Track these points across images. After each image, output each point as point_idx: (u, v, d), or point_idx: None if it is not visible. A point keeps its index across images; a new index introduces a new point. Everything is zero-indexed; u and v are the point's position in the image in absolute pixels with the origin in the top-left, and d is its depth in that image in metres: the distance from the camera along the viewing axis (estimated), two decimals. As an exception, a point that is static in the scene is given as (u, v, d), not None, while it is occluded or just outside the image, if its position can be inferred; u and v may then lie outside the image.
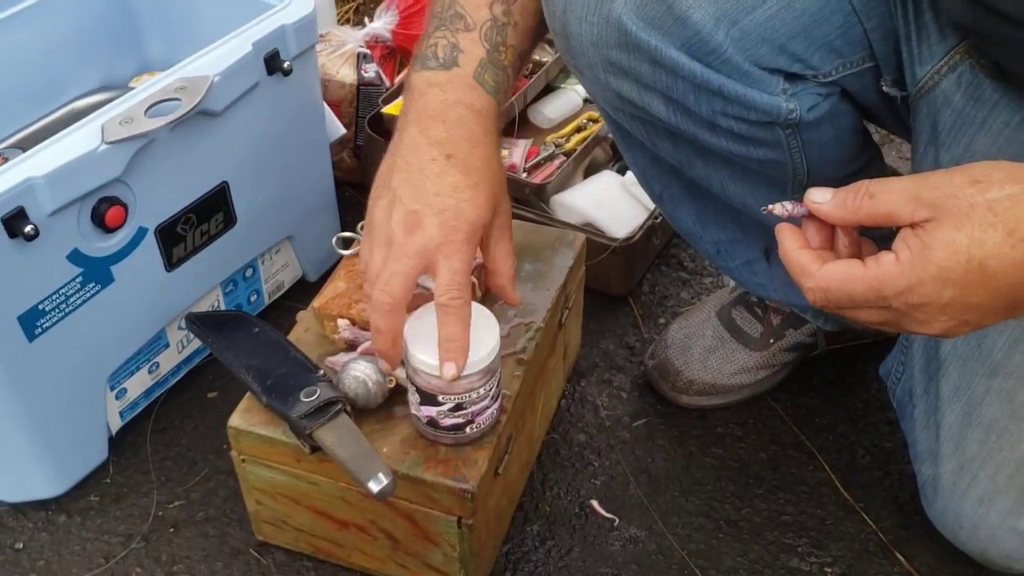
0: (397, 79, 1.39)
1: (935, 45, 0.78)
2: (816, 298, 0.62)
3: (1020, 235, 0.55)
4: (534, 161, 1.30)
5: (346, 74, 1.32)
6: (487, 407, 0.81)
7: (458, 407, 0.79)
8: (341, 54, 1.33)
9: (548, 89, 1.40)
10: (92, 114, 0.90)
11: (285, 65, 1.02)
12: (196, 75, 0.94)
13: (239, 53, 0.97)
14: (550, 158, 1.30)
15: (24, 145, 1.09)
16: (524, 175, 1.28)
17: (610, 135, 1.16)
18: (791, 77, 0.79)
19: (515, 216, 1.02)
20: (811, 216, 0.63)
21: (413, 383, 0.80)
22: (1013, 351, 0.82)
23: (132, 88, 1.18)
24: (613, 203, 1.23)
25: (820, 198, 0.62)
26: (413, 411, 0.83)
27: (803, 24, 0.77)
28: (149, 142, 0.91)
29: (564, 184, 1.27)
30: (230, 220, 1.05)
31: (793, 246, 0.63)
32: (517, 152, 1.30)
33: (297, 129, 1.10)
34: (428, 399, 0.80)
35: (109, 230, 0.92)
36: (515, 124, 1.33)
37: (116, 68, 1.22)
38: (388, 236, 0.75)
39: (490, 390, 0.80)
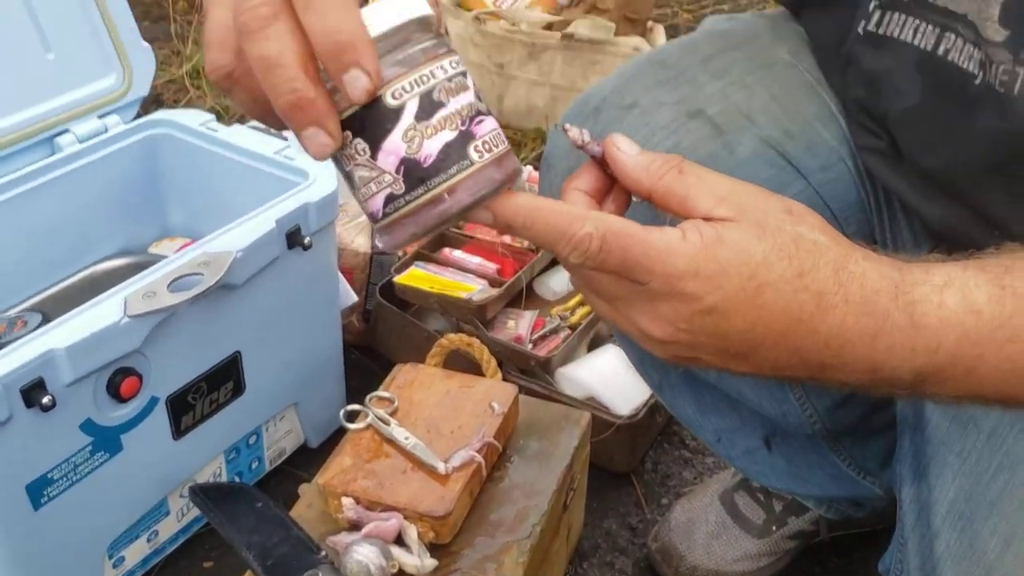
0: (411, 248, 1.43)
1: (910, 251, 0.82)
2: (589, 246, 0.50)
3: (808, 282, 0.51)
4: (540, 333, 1.32)
5: (361, 243, 1.36)
6: (480, 112, 0.49)
7: (430, 103, 0.47)
8: (357, 224, 1.37)
9: (553, 263, 1.44)
10: (109, 283, 0.93)
11: (305, 240, 1.05)
12: (219, 250, 0.97)
13: (262, 230, 1.01)
14: (555, 331, 1.33)
15: (43, 308, 1.12)
16: (530, 346, 1.30)
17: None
18: None
19: (521, 389, 1.04)
20: (598, 161, 0.55)
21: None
22: (1005, 553, 0.82)
23: (152, 253, 1.23)
24: (617, 379, 1.24)
25: (626, 148, 0.54)
26: (370, 186, 0.49)
27: None
28: (169, 314, 0.94)
29: (569, 357, 1.29)
30: (239, 389, 1.07)
31: (559, 205, 0.51)
32: (523, 323, 1.33)
33: (311, 299, 1.13)
34: (378, 119, 0.47)
35: (123, 400, 0.93)
36: (522, 296, 1.36)
37: (138, 233, 1.26)
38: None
39: (463, 71, 0.49)
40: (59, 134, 1.15)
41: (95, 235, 1.21)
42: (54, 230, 1.16)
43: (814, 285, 0.50)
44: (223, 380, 1.04)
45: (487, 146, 0.49)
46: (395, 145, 0.47)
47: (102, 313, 0.89)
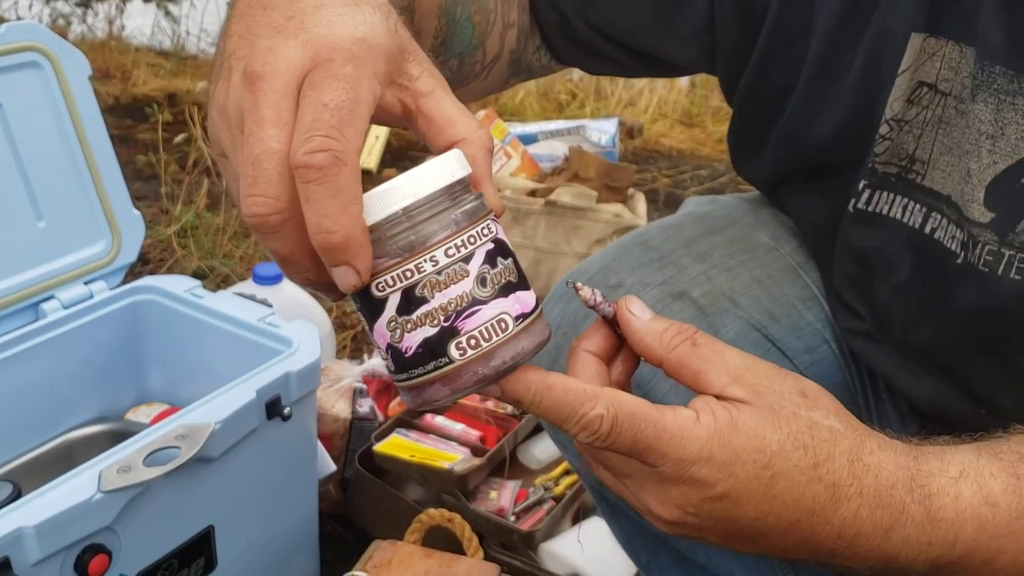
0: (391, 411, 1.42)
1: (897, 432, 0.82)
2: (602, 429, 0.49)
3: (822, 473, 0.50)
4: (523, 505, 1.29)
5: (341, 408, 1.34)
6: (473, 304, 0.47)
7: (411, 300, 0.46)
8: (337, 389, 1.36)
9: (537, 429, 1.43)
10: (84, 452, 0.91)
11: (285, 411, 1.04)
12: (197, 423, 0.95)
13: (242, 400, 0.99)
14: (539, 503, 1.30)
15: (14, 477, 1.09)
16: (513, 519, 1.27)
17: (600, 486, 1.17)
18: None
19: (503, 566, 1.01)
20: (608, 321, 0.54)
21: None
22: None
23: (130, 421, 1.21)
24: (603, 554, 1.21)
25: (639, 312, 0.53)
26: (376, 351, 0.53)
27: None
28: (143, 489, 0.91)
29: (553, 530, 1.26)
30: (211, 565, 1.03)
31: (571, 382, 0.51)
32: (506, 495, 1.30)
33: (289, 470, 1.11)
34: (369, 304, 0.48)
35: (89, 580, 0.89)
36: (505, 465, 1.34)
37: (115, 399, 1.24)
38: (238, 111, 0.46)
39: (467, 258, 0.46)
40: (44, 300, 1.15)
41: (72, 401, 1.19)
42: (32, 396, 1.14)
43: (828, 476, 0.50)
44: (195, 556, 1.01)
45: (474, 341, 0.47)
46: (382, 331, 0.48)
47: (75, 488, 0.87)
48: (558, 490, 1.32)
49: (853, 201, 0.75)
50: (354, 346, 1.79)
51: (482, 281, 0.47)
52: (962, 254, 0.68)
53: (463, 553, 1.12)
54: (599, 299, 0.53)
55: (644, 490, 0.52)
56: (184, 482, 0.96)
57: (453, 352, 0.47)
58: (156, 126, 2.43)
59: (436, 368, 0.47)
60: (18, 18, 3.62)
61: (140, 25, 4.12)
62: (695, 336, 0.53)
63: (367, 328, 0.49)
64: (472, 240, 0.47)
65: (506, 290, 0.48)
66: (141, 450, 0.92)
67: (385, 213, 0.46)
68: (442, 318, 0.47)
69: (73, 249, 1.18)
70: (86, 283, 1.19)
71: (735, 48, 0.76)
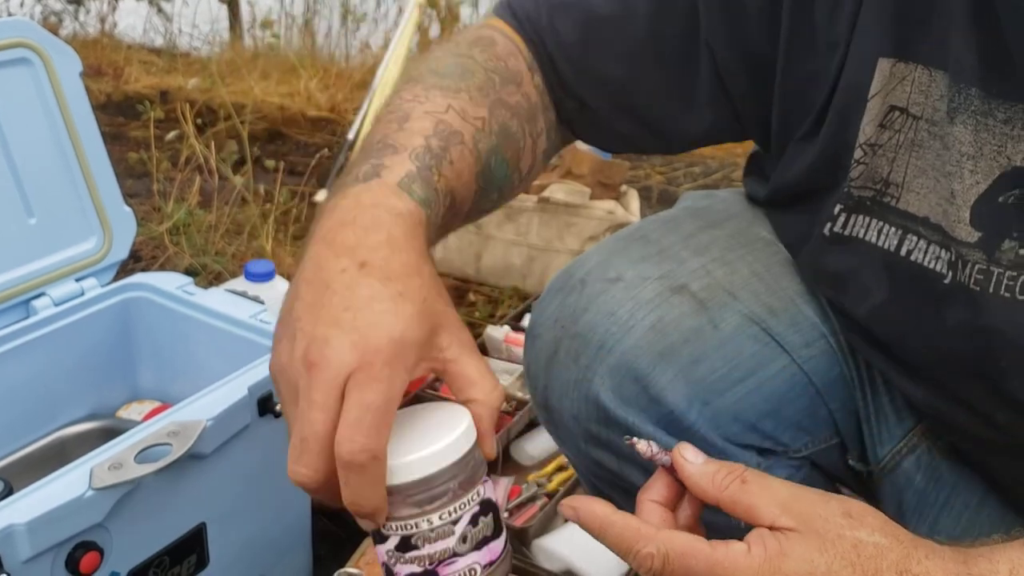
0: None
1: (893, 427, 0.82)
2: (652, 565, 0.56)
3: None
4: (516, 501, 1.30)
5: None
6: (457, 555, 0.58)
7: (406, 544, 0.58)
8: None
9: (531, 425, 1.43)
10: (76, 449, 0.91)
11: (277, 408, 1.04)
12: (189, 420, 0.95)
13: (234, 397, 0.99)
14: (532, 499, 1.30)
15: (6, 475, 1.08)
16: (506, 515, 1.27)
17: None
18: (764, 452, 0.82)
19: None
20: (667, 469, 0.60)
21: None
22: None
23: (121, 418, 1.21)
24: (595, 551, 1.19)
25: (692, 457, 0.59)
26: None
27: (771, 406, 0.81)
28: (134, 486, 0.91)
29: (546, 527, 1.26)
30: (203, 562, 1.03)
31: (622, 518, 0.57)
32: (499, 491, 1.30)
33: (280, 467, 1.09)
34: (376, 535, 0.60)
35: (81, 576, 0.89)
36: (499, 461, 1.34)
37: (107, 396, 1.24)
38: (295, 382, 0.57)
39: (455, 521, 0.58)
40: (35, 297, 1.15)
41: (64, 399, 1.19)
42: (23, 394, 1.14)
43: None
44: (186, 553, 1.00)
45: None
46: (381, 553, 0.60)
47: (66, 485, 0.87)
48: (551, 486, 1.32)
49: (829, 225, 0.75)
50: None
51: (463, 538, 0.59)
52: (950, 274, 0.68)
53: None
54: (655, 451, 0.60)
55: None
56: (175, 479, 0.96)
57: None
58: (148, 123, 2.43)
59: None
60: (9, 15, 3.61)
61: (132, 23, 4.11)
62: (744, 474, 0.58)
63: (374, 544, 0.61)
64: (463, 506, 0.58)
65: (480, 544, 0.59)
66: (132, 447, 0.92)
67: (401, 481, 0.57)
68: (427, 563, 0.59)
69: (64, 246, 1.18)
70: (77, 280, 1.19)
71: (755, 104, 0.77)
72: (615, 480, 0.85)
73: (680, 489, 0.60)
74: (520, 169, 0.80)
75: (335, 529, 1.35)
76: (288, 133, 2.81)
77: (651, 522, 0.58)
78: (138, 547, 0.95)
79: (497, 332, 1.61)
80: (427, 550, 0.58)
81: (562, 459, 1.37)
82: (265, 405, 1.04)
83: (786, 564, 0.54)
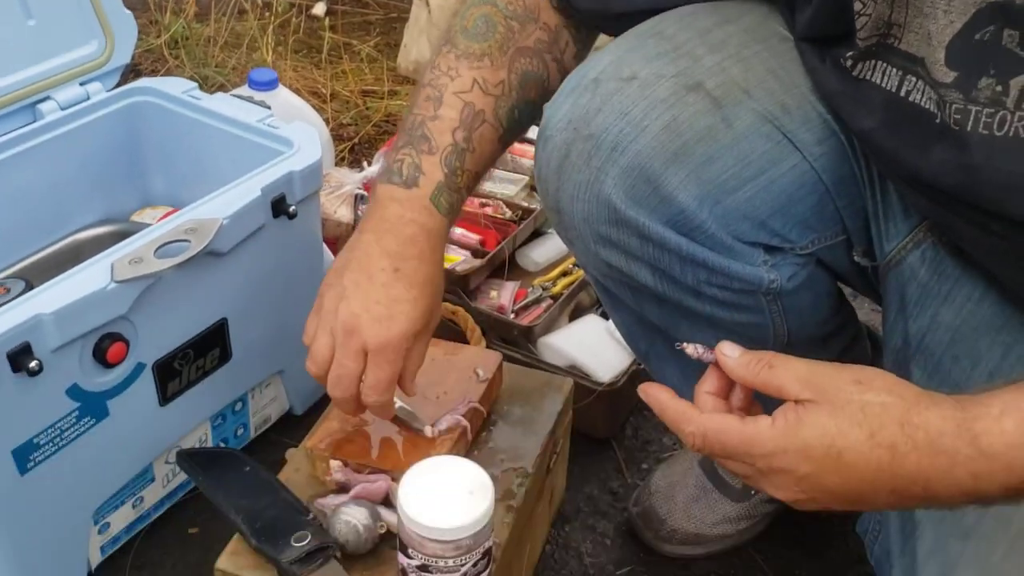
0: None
1: (900, 223, 0.84)
2: (694, 442, 0.66)
3: (879, 440, 0.61)
4: (522, 303, 1.33)
5: (344, 214, 1.36)
6: None
7: (424, 568, 0.79)
8: (339, 195, 1.37)
9: (536, 234, 1.45)
10: (92, 251, 0.93)
11: (291, 209, 1.05)
12: (206, 217, 0.97)
13: (248, 197, 1.01)
14: (537, 301, 1.34)
15: (26, 275, 1.12)
16: (512, 316, 1.31)
17: (598, 283, 1.21)
18: (771, 249, 0.84)
19: (505, 357, 1.05)
20: (716, 364, 0.69)
21: (399, 528, 0.81)
22: (984, 515, 0.84)
23: (135, 222, 1.23)
24: (598, 347, 1.26)
25: (730, 352, 0.68)
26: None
27: (781, 203, 0.82)
28: (155, 280, 0.94)
29: (550, 326, 1.30)
30: (226, 356, 1.07)
31: (669, 397, 0.69)
32: (506, 294, 1.34)
33: (296, 267, 1.14)
34: (403, 547, 0.80)
35: (109, 366, 0.93)
36: (505, 267, 1.37)
37: (119, 202, 1.25)
38: (332, 327, 0.84)
39: (462, 564, 0.79)
40: (41, 101, 1.14)
41: (77, 203, 1.20)
42: (36, 197, 1.15)
43: (885, 440, 0.61)
44: (210, 347, 1.05)
45: None
46: (403, 563, 0.81)
47: (89, 278, 0.90)
48: (556, 290, 1.35)
49: (840, 61, 0.76)
50: (352, 157, 1.79)
51: (464, 573, 0.79)
52: (939, 114, 0.69)
53: (467, 343, 1.16)
54: (702, 351, 0.70)
55: (760, 483, 0.66)
56: (195, 275, 0.99)
57: None
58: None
59: None
60: None
61: None
62: (771, 360, 0.65)
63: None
64: (471, 556, 0.79)
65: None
66: (151, 243, 0.94)
67: (437, 537, 0.77)
68: None
69: (66, 49, 1.17)
70: (82, 84, 1.18)
71: None
72: (624, 280, 0.88)
73: (729, 379, 0.68)
74: (549, 92, 0.88)
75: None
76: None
77: (703, 408, 0.68)
78: (163, 340, 0.99)
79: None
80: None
81: (567, 264, 1.40)
82: (279, 207, 1.05)
83: (803, 431, 0.62)
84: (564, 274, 1.39)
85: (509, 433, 1.00)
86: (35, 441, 0.90)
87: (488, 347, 1.19)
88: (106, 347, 0.92)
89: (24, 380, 0.86)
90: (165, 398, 1.01)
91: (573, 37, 0.93)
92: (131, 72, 1.86)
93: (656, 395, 0.69)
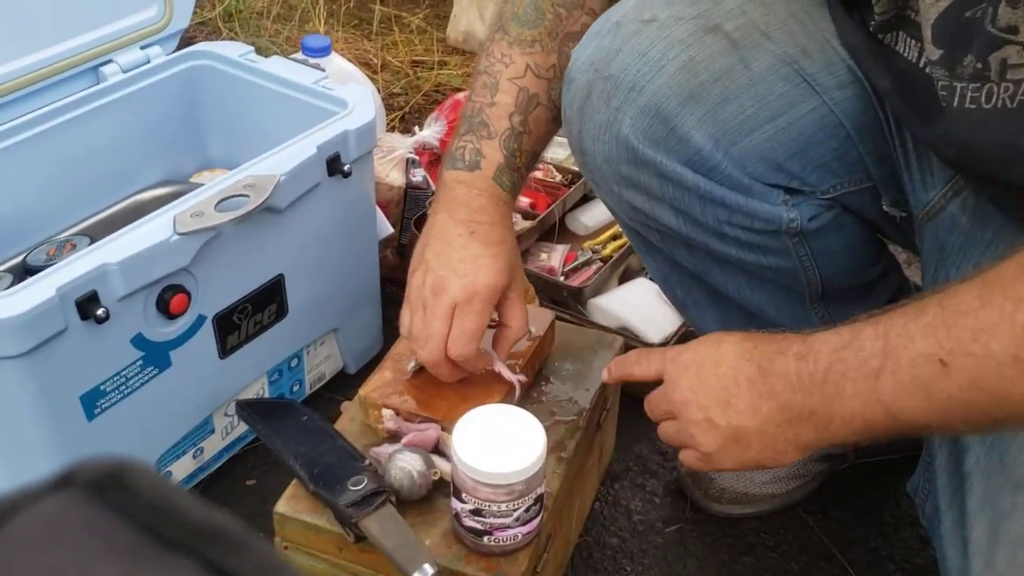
0: (442, 183, 1.45)
1: (937, 172, 0.83)
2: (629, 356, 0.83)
3: (754, 356, 0.71)
4: (572, 266, 1.34)
5: (395, 177, 1.38)
6: (508, 527, 0.82)
7: (477, 512, 0.81)
8: (391, 159, 1.39)
9: (585, 198, 1.45)
10: (164, 207, 0.96)
11: (345, 168, 1.07)
12: (264, 174, 0.99)
13: (304, 155, 1.03)
14: (587, 263, 1.35)
15: (90, 233, 1.15)
16: (562, 278, 1.32)
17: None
18: (791, 192, 0.84)
19: (556, 317, 1.06)
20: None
21: (452, 473, 0.83)
22: None
23: (194, 183, 1.25)
24: (648, 309, 1.26)
25: (604, 374, 0.89)
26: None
27: (799, 146, 0.82)
28: (215, 235, 0.96)
29: (600, 289, 1.31)
30: (282, 312, 1.10)
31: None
32: (556, 256, 1.35)
33: (351, 227, 1.16)
34: (457, 492, 0.82)
35: (172, 317, 0.96)
36: (555, 230, 1.38)
37: (179, 164, 1.28)
38: (423, 300, 0.87)
39: (515, 510, 0.81)
40: (103, 64, 1.18)
41: (138, 164, 1.23)
42: (99, 158, 1.18)
43: (747, 351, 0.71)
44: (267, 302, 1.07)
45: (496, 544, 0.83)
46: (457, 508, 0.83)
47: (152, 231, 0.92)
48: (606, 253, 1.36)
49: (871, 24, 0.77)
50: (403, 126, 1.80)
51: (517, 518, 0.81)
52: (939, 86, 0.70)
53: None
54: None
55: (685, 431, 0.75)
56: (253, 231, 1.01)
57: (486, 540, 0.83)
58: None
59: (475, 543, 0.84)
60: None
61: None
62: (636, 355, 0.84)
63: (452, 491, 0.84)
64: (523, 501, 0.80)
65: (527, 522, 0.82)
66: (212, 198, 0.96)
67: (489, 481, 0.79)
68: (488, 526, 0.82)
69: (126, 13, 1.20)
70: (142, 48, 1.21)
71: None
72: (648, 222, 0.89)
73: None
74: None
75: (401, 295, 1.41)
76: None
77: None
78: (222, 293, 1.01)
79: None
80: (490, 520, 0.81)
81: (615, 228, 1.40)
82: (334, 165, 1.07)
83: (684, 351, 0.76)
84: (614, 238, 1.40)
85: (560, 388, 1.01)
86: (102, 388, 0.93)
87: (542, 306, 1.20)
88: (169, 298, 0.95)
89: (92, 327, 0.89)
90: (225, 351, 1.04)
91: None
92: (186, 45, 1.89)
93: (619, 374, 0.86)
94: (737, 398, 0.70)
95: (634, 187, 0.84)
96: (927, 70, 0.72)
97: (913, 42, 0.74)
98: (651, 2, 0.83)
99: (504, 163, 0.90)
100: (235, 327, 1.04)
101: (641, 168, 0.82)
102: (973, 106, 0.67)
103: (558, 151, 1.52)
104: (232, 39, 1.97)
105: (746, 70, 0.80)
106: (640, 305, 1.26)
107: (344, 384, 1.23)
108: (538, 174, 1.46)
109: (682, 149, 0.80)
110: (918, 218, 0.85)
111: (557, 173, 1.48)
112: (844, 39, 0.82)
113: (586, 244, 1.39)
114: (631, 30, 0.81)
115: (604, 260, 1.35)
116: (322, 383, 1.23)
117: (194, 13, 1.88)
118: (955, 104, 0.68)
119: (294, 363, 1.16)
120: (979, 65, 0.65)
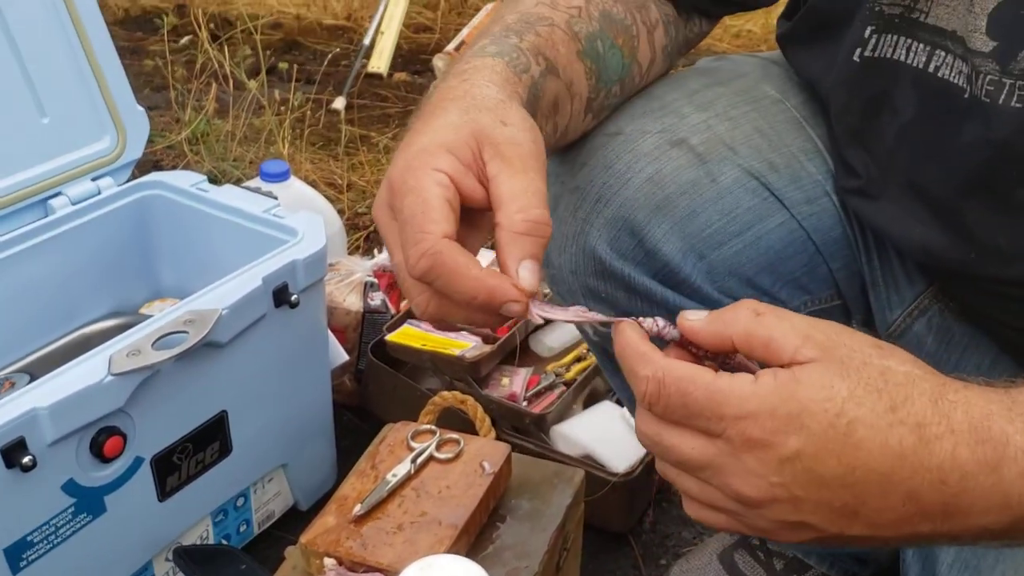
0: (403, 306, 1.43)
1: (904, 290, 0.81)
2: (648, 389, 0.50)
3: (902, 416, 0.47)
4: (535, 390, 1.31)
5: (352, 302, 1.35)
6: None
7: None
8: (349, 283, 1.37)
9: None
10: (100, 345, 0.92)
11: (293, 298, 1.05)
12: (205, 308, 0.97)
13: (249, 287, 1.00)
14: (550, 387, 1.31)
15: (32, 370, 1.11)
16: (525, 404, 1.28)
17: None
18: None
19: (514, 447, 1.02)
20: (679, 343, 0.55)
21: None
22: None
23: (143, 315, 1.23)
24: (613, 435, 1.22)
25: (693, 315, 0.53)
26: None
27: (768, 260, 0.81)
28: (153, 373, 0.93)
29: (564, 414, 1.27)
30: (226, 449, 1.05)
31: (636, 336, 0.53)
32: (518, 381, 1.32)
33: (300, 358, 1.12)
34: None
35: (106, 460, 0.91)
36: (516, 353, 1.35)
37: (129, 293, 1.25)
38: (389, 200, 0.58)
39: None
40: (52, 196, 1.16)
41: (86, 296, 1.21)
42: (45, 292, 1.15)
43: (911, 417, 0.47)
44: (210, 440, 1.03)
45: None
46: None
47: (86, 371, 0.89)
48: (569, 376, 1.33)
49: (859, 51, 0.74)
50: (366, 246, 1.79)
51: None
52: (968, 88, 0.68)
53: (476, 434, 1.13)
54: (662, 325, 0.55)
55: (724, 473, 0.49)
56: (195, 367, 0.97)
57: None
58: (165, 37, 2.41)
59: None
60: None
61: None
62: (756, 306, 0.51)
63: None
64: None
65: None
66: (150, 335, 0.93)
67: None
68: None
69: (79, 145, 1.19)
70: (93, 179, 1.19)
71: None
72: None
73: (695, 356, 0.55)
74: (639, 61, 0.79)
75: (359, 423, 1.38)
76: (304, 42, 2.77)
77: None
78: (161, 433, 0.97)
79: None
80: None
81: (580, 350, 1.38)
82: (281, 296, 1.04)
83: (800, 391, 0.47)
84: (578, 359, 1.37)
85: (516, 529, 0.96)
86: (29, 539, 0.88)
87: (499, 437, 1.16)
88: (103, 441, 0.91)
89: (18, 476, 0.84)
90: (164, 493, 0.99)
91: (666, 19, 0.83)
92: (152, 168, 1.89)
93: (624, 331, 0.53)
94: (859, 497, 0.49)
95: (601, 300, 0.82)
96: (948, 72, 0.69)
97: (921, 47, 0.71)
98: (615, 117, 0.82)
99: (489, 42, 0.68)
100: (175, 468, 0.99)
101: (608, 281, 0.80)
102: (1019, 105, 0.63)
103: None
104: (197, 162, 1.97)
105: (713, 183, 0.79)
106: (605, 432, 1.23)
107: (296, 521, 1.18)
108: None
109: (650, 262, 0.78)
110: (883, 338, 0.83)
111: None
112: (844, 109, 0.79)
113: (549, 367, 1.35)
114: (596, 143, 0.81)
115: (568, 383, 1.32)
116: (271, 522, 1.18)
117: (161, 137, 1.89)
118: (1000, 101, 0.64)
119: (240, 502, 1.11)
120: None
